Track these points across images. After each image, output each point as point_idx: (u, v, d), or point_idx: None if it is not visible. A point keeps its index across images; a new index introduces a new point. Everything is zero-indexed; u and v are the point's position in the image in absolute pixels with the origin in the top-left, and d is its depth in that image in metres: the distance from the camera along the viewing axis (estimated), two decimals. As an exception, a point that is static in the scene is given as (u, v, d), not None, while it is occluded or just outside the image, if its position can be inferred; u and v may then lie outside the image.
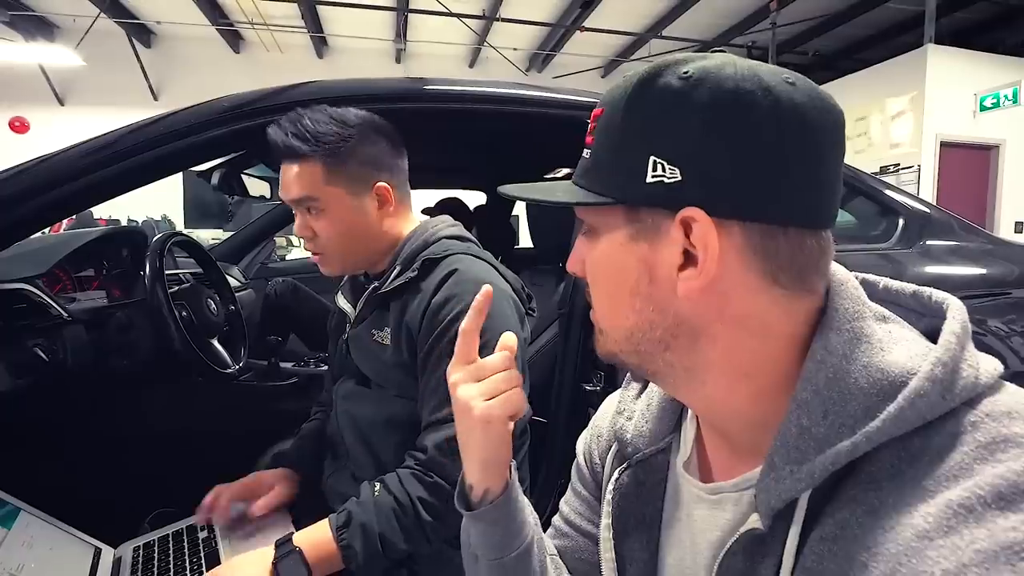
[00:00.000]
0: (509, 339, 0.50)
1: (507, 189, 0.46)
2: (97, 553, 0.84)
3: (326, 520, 0.79)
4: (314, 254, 0.91)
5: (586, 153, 0.41)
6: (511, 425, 0.49)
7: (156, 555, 0.87)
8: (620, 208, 0.39)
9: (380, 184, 0.90)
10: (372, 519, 0.77)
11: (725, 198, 0.35)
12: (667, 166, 0.36)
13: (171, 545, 0.89)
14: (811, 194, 0.36)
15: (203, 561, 0.85)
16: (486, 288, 0.50)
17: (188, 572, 0.83)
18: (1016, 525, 0.27)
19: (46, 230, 1.12)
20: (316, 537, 0.77)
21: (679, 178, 0.36)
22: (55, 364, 1.04)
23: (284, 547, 0.76)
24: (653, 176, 0.36)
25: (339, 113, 0.87)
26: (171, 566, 0.84)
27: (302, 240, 0.91)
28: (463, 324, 0.49)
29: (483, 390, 0.47)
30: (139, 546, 0.89)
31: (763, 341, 0.38)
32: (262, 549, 0.77)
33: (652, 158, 0.36)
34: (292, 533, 0.79)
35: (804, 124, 0.35)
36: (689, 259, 0.37)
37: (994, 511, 0.27)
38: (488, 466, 0.49)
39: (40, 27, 7.30)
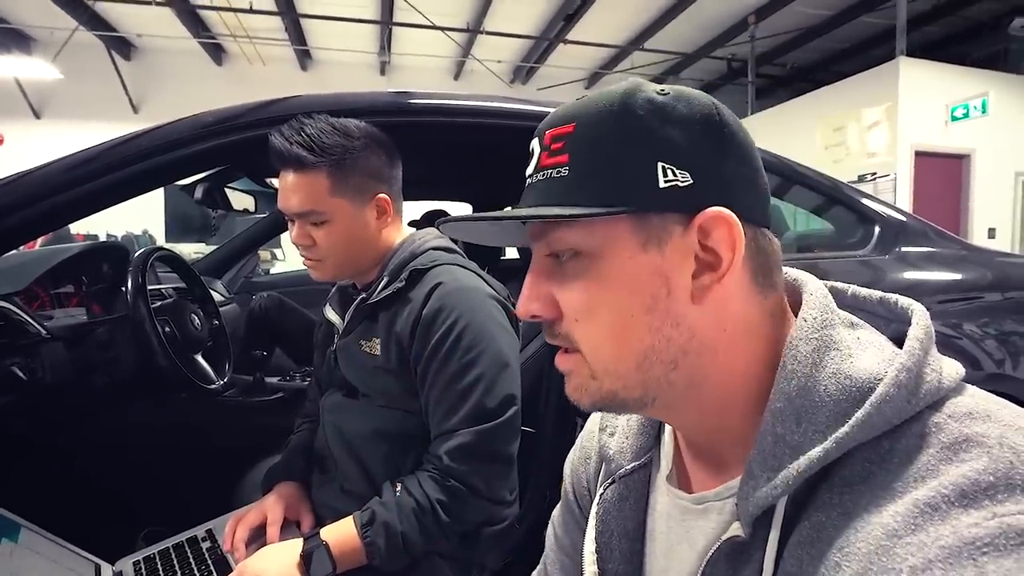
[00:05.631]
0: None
1: (463, 217, 0.42)
2: (97, 569, 0.83)
3: (351, 517, 0.82)
4: (309, 259, 0.90)
5: (555, 172, 0.39)
6: None
7: (160, 568, 0.86)
8: (625, 218, 0.37)
9: (380, 196, 0.90)
10: (395, 518, 0.80)
11: (738, 199, 0.38)
12: (676, 171, 0.37)
13: (174, 558, 0.88)
14: (768, 194, 0.41)
15: (212, 569, 0.85)
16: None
17: None
18: (978, 521, 0.28)
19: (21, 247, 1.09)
20: (342, 533, 0.80)
21: (691, 182, 0.37)
22: (33, 383, 1.02)
23: (312, 540, 0.78)
24: (666, 181, 0.37)
25: (342, 124, 0.86)
26: None
27: (297, 247, 0.90)
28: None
29: None
30: (139, 560, 0.88)
31: (751, 342, 0.39)
32: (291, 541, 0.79)
33: (660, 164, 0.37)
34: (319, 529, 0.81)
35: (747, 134, 0.40)
36: (700, 264, 0.38)
37: (957, 509, 0.29)
38: None
39: (16, 40, 7.21)
